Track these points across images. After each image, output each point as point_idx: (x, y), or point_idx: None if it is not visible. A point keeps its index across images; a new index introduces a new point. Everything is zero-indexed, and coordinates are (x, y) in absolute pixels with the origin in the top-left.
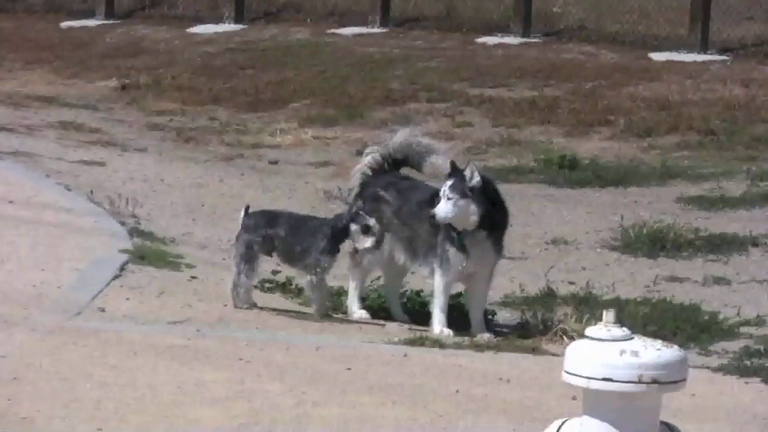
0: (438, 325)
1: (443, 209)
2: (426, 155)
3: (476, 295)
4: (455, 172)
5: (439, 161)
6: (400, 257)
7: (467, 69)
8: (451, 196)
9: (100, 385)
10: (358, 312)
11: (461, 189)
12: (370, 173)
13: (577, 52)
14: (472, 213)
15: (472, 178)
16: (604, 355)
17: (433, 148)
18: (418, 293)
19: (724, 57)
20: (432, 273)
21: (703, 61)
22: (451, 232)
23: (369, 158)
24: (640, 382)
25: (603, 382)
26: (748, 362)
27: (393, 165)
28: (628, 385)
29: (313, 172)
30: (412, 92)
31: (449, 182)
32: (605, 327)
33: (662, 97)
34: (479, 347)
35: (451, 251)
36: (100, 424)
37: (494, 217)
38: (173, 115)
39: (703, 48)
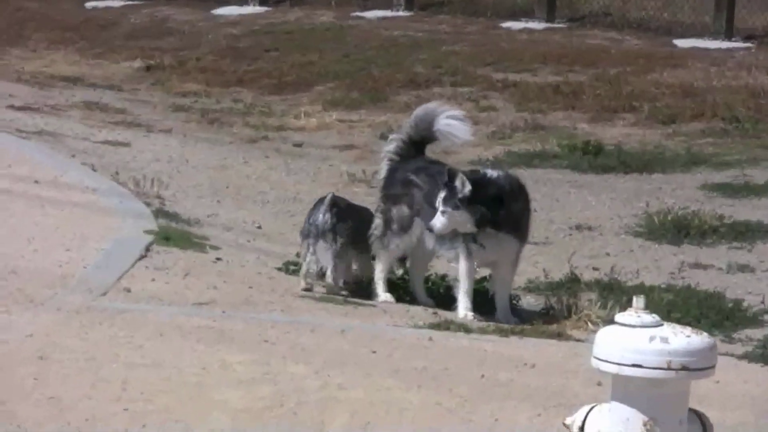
0: (463, 310)
1: (439, 222)
2: (440, 116)
3: (500, 280)
4: (449, 182)
5: (453, 121)
6: (429, 242)
7: (491, 53)
8: (444, 209)
9: (126, 366)
10: (383, 295)
11: (453, 201)
12: (397, 158)
13: (602, 38)
14: (467, 221)
15: (462, 188)
16: (634, 341)
17: (444, 109)
18: (442, 277)
19: (748, 44)
20: (457, 258)
21: (728, 48)
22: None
23: (393, 144)
24: (669, 368)
25: (632, 368)
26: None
27: (417, 148)
28: (657, 371)
29: (337, 155)
30: (437, 76)
31: (441, 195)
32: (635, 313)
33: (687, 84)
34: (504, 332)
35: (471, 242)
36: (126, 404)
37: (497, 217)
38: (197, 96)
39: (728, 35)
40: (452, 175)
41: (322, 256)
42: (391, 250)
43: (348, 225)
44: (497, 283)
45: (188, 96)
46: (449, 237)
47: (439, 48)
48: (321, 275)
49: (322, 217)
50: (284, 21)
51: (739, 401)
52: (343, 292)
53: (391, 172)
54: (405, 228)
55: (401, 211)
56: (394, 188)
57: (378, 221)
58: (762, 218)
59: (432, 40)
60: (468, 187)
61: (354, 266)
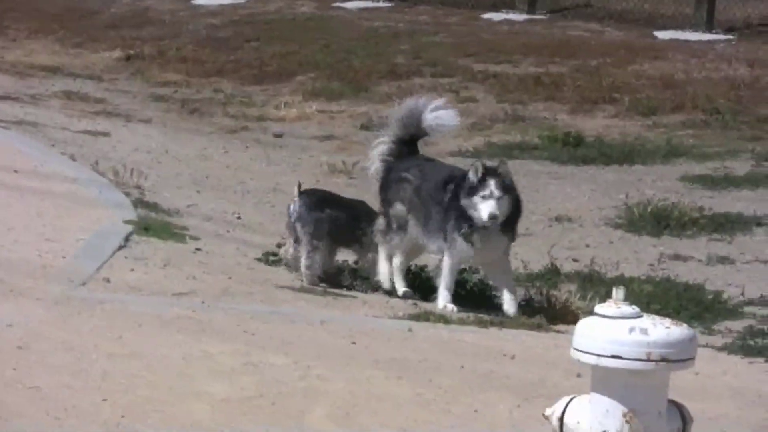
0: (442, 301)
1: (498, 209)
2: (425, 112)
3: (498, 275)
4: (489, 170)
5: (440, 112)
6: (418, 235)
7: (472, 45)
8: (500, 195)
9: (107, 356)
10: (401, 290)
11: (504, 188)
12: (391, 159)
13: (583, 30)
14: (507, 211)
15: (508, 175)
16: (614, 332)
17: (426, 102)
18: (422, 268)
19: (729, 36)
20: (441, 252)
21: (708, 40)
22: (461, 221)
23: (383, 146)
24: (648, 360)
25: (612, 360)
26: (752, 342)
27: (409, 146)
28: (636, 362)
29: (318, 145)
30: (417, 67)
31: (492, 181)
32: (615, 304)
33: (667, 76)
34: (483, 323)
35: (459, 240)
36: (105, 394)
37: (514, 212)
38: (178, 86)
39: (709, 27)
40: (497, 165)
41: (299, 246)
42: (395, 245)
43: (325, 216)
44: (496, 279)
45: (168, 86)
46: (435, 231)
47: (419, 39)
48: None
49: (293, 207)
50: (265, 11)
51: (719, 393)
52: (322, 284)
53: (387, 173)
54: (403, 226)
55: (398, 209)
56: (390, 189)
57: (380, 221)
58: (742, 210)
59: (412, 30)
60: (511, 175)
61: (336, 257)
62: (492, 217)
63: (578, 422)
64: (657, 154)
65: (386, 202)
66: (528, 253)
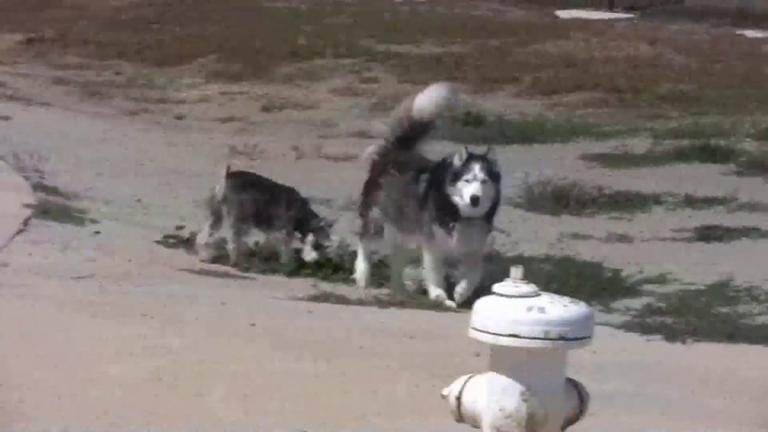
0: (433, 292)
1: (480, 191)
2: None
3: (469, 266)
4: (473, 155)
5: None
6: (396, 232)
7: (374, 25)
8: (484, 178)
9: (3, 339)
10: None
11: (490, 173)
12: (377, 157)
13: (485, 9)
14: (491, 198)
15: (496, 162)
16: (512, 311)
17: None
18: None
19: (630, 15)
20: (420, 248)
21: (609, 18)
22: (439, 211)
23: (374, 147)
24: (546, 338)
25: (510, 339)
26: (650, 320)
27: (402, 146)
28: (534, 341)
29: (219, 127)
30: (319, 48)
31: (477, 164)
32: (513, 283)
33: (568, 55)
34: (383, 303)
35: (438, 232)
36: (2, 379)
37: (496, 202)
38: (79, 69)
39: (610, 5)
40: (487, 150)
41: (218, 228)
42: (373, 244)
43: (249, 198)
44: (468, 269)
45: (69, 69)
46: (412, 225)
47: (321, 20)
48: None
49: (219, 188)
50: None
51: (618, 371)
52: (246, 265)
53: (369, 171)
54: (381, 224)
55: (375, 207)
56: (369, 186)
57: (361, 219)
58: (640, 188)
59: (314, 11)
60: (497, 163)
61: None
62: (474, 199)
63: (475, 401)
64: (557, 133)
65: (365, 200)
66: None
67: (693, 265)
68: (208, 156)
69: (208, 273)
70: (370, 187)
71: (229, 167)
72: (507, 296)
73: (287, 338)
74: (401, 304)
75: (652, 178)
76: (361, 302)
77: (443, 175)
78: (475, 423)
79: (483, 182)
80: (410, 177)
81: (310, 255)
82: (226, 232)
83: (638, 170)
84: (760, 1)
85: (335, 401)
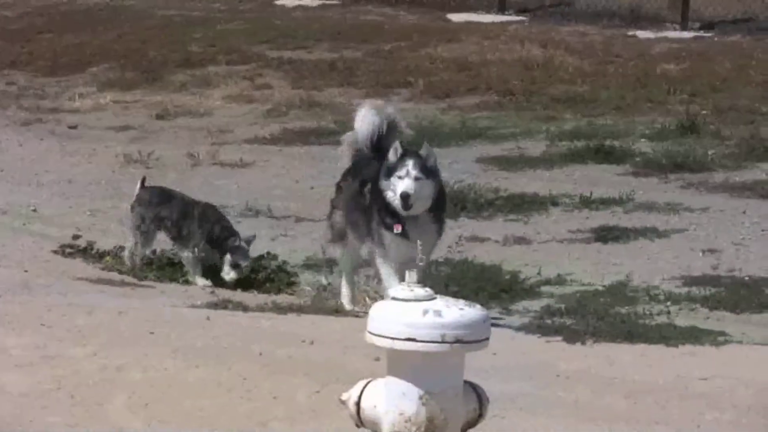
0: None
1: (410, 188)
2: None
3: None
4: (408, 151)
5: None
6: (354, 243)
7: (267, 31)
8: (418, 175)
9: None
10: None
11: (423, 169)
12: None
13: (376, 14)
14: (429, 196)
15: (430, 156)
16: (407, 315)
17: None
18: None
19: (521, 17)
20: (372, 257)
21: (501, 21)
22: (386, 216)
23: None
24: (443, 341)
25: (406, 342)
26: (549, 321)
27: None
28: (431, 345)
29: (113, 136)
30: (212, 55)
31: (410, 161)
32: (408, 287)
33: (461, 58)
34: (282, 309)
35: (386, 234)
36: None
37: (440, 199)
38: None
39: (501, 8)
40: (405, 146)
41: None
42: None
43: (152, 209)
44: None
45: None
46: (363, 232)
47: (214, 26)
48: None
49: (133, 200)
50: (57, 2)
51: (518, 373)
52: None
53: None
54: (342, 235)
55: (334, 219)
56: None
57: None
58: (537, 190)
59: (207, 18)
60: (434, 157)
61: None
62: (404, 196)
63: (375, 406)
64: (452, 136)
65: (328, 213)
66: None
67: (591, 266)
68: (103, 165)
69: (106, 282)
70: (336, 193)
71: (144, 179)
72: (403, 300)
73: (187, 346)
74: (300, 310)
75: (549, 180)
76: (260, 308)
77: (379, 172)
78: (375, 428)
79: (416, 179)
80: (358, 182)
81: (229, 275)
82: (129, 240)
83: (534, 172)
84: (651, 2)
85: (237, 408)
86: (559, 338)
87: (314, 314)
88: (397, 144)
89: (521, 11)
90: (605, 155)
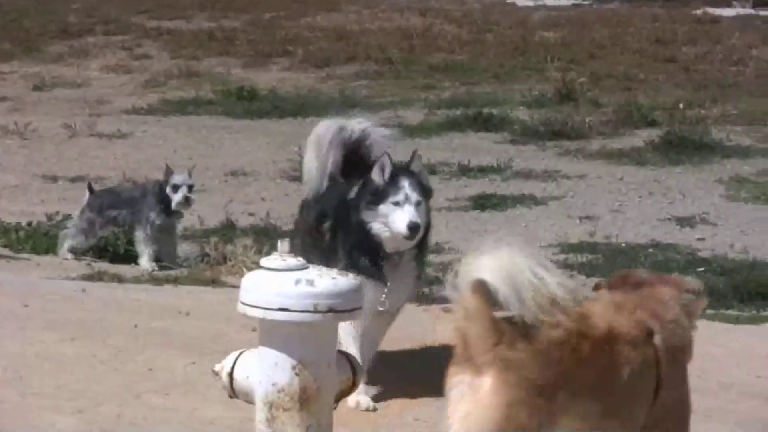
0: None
1: (419, 218)
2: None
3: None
4: (399, 169)
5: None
6: None
7: (145, 1)
8: (419, 199)
9: None
10: None
11: (421, 188)
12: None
13: None
14: (427, 222)
15: (425, 177)
16: (280, 285)
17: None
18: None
19: None
20: None
21: None
22: (361, 256)
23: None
24: (316, 311)
25: (279, 312)
26: (426, 290)
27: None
28: (304, 314)
29: None
30: (90, 26)
31: (406, 181)
32: (280, 257)
33: (340, 27)
34: (158, 281)
35: (368, 284)
36: None
37: (428, 228)
38: None
39: None
40: (411, 158)
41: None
42: None
43: (97, 203)
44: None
45: None
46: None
47: None
48: None
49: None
50: None
51: (396, 342)
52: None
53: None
54: None
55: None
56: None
57: None
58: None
59: None
60: (425, 171)
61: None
62: (413, 227)
63: (248, 377)
64: (331, 105)
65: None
66: (204, 208)
67: (469, 234)
68: None
69: None
70: (293, 233)
71: (90, 185)
72: (274, 270)
73: (62, 319)
74: (176, 281)
75: (427, 148)
76: (136, 280)
77: (358, 199)
78: (248, 398)
79: (417, 204)
80: (313, 218)
81: (149, 265)
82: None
83: (413, 141)
84: None
85: (111, 381)
86: (438, 307)
87: (191, 285)
88: (385, 160)
89: None
90: (483, 123)
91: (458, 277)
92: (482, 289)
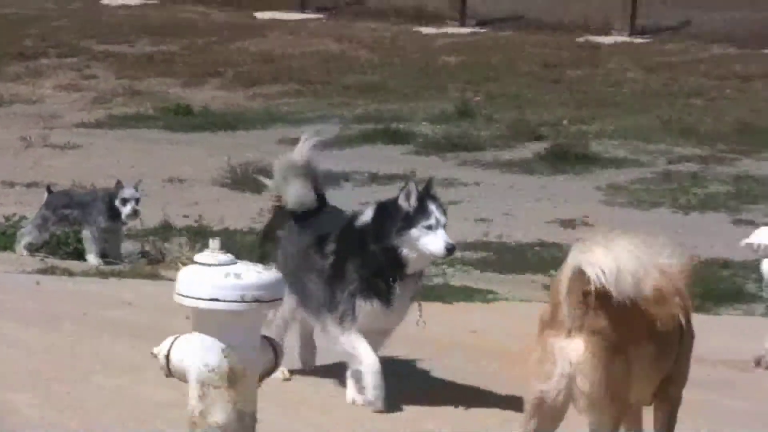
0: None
1: (450, 241)
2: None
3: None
4: (425, 194)
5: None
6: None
7: (94, 28)
8: (445, 222)
9: None
10: None
11: (444, 211)
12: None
13: (191, 12)
14: None
15: (441, 201)
16: (211, 278)
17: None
18: None
19: (319, 15)
20: (325, 330)
21: (302, 19)
22: (374, 280)
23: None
24: (243, 301)
25: (210, 302)
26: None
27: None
28: (232, 304)
29: None
30: (44, 49)
31: (433, 205)
32: (212, 253)
33: (266, 52)
34: (105, 275)
35: (370, 305)
36: None
37: None
38: None
39: (302, 7)
40: (428, 184)
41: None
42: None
43: (53, 203)
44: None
45: None
46: (317, 298)
47: (47, 23)
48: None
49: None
50: None
51: None
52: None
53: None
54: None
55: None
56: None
57: None
58: (330, 167)
59: (40, 16)
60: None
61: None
62: (451, 248)
63: (182, 359)
64: (257, 120)
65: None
66: (145, 211)
67: None
68: None
69: None
70: (268, 235)
71: (49, 187)
72: (207, 264)
73: (16, 309)
74: (120, 275)
75: (342, 159)
76: (85, 274)
77: (379, 225)
78: (183, 378)
79: (445, 226)
80: (313, 239)
81: (96, 260)
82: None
83: (330, 152)
84: (434, 1)
85: (62, 363)
86: None
87: (134, 278)
88: (411, 187)
89: (320, 9)
90: (392, 136)
91: (567, 261)
92: (581, 276)
